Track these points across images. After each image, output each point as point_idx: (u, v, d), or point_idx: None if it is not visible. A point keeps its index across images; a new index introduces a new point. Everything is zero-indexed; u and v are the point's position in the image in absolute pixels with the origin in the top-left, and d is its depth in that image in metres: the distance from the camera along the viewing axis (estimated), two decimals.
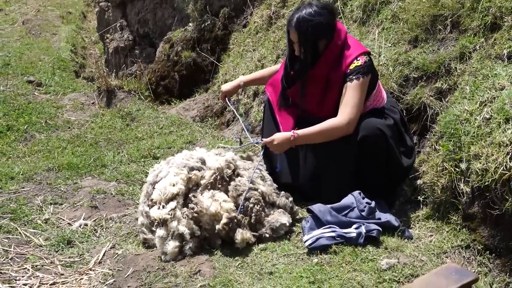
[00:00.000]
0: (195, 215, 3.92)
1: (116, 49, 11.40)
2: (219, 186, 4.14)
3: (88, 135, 6.73)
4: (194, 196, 4.03)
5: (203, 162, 4.29)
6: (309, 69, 4.35)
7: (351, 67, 4.22)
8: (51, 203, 4.77)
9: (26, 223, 4.44)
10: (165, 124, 7.05)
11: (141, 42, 10.97)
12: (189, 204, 3.98)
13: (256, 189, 4.17)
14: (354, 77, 4.20)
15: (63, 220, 4.51)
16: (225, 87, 5.13)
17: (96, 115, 7.56)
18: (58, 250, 4.05)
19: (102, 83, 8.09)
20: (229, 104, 5.53)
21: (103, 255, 3.98)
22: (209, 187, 4.11)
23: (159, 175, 4.21)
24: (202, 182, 4.12)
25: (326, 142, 4.26)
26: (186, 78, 8.77)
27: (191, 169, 4.19)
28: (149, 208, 4.03)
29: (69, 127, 7.09)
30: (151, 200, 4.03)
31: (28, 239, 4.20)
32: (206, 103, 7.74)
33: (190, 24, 8.88)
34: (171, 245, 3.80)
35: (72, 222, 4.46)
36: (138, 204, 4.73)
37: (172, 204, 3.92)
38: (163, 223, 3.88)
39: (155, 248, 3.96)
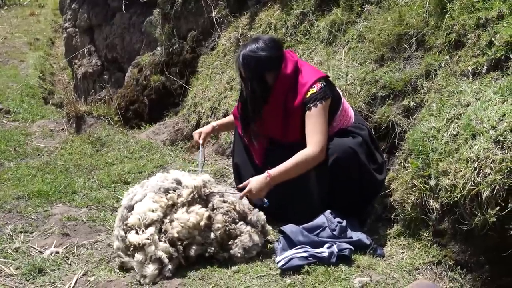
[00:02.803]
0: (171, 236, 3.92)
1: (84, 75, 11.39)
2: (196, 204, 4.14)
3: (58, 162, 6.67)
4: (172, 220, 4.02)
5: (179, 182, 4.27)
6: (262, 103, 4.41)
7: (307, 95, 4.27)
8: (21, 232, 4.72)
9: None
10: (135, 148, 7.03)
11: (109, 67, 10.97)
12: (164, 228, 3.97)
13: (225, 201, 4.20)
14: (312, 105, 4.25)
15: (34, 248, 4.46)
16: (202, 129, 5.14)
17: (66, 141, 7.50)
18: (29, 279, 4.00)
19: (71, 109, 8.04)
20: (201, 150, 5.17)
21: (75, 282, 3.93)
22: (186, 206, 4.10)
23: (134, 199, 4.17)
24: (180, 200, 4.11)
25: None
26: (156, 102, 8.77)
27: (167, 190, 4.17)
28: (125, 233, 4.01)
29: (38, 154, 7.02)
30: (126, 224, 4.00)
31: None
32: (176, 126, 7.74)
33: (158, 48, 8.89)
34: (151, 269, 3.78)
35: (43, 250, 4.41)
36: (110, 230, 4.72)
37: (151, 229, 3.90)
38: (141, 248, 3.86)
39: (130, 272, 3.94)
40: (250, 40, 4.59)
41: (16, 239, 4.58)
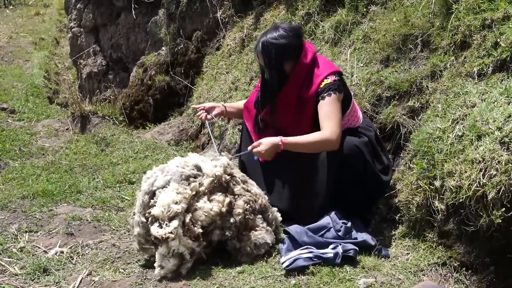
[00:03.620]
0: (196, 229, 3.94)
1: (89, 75, 11.38)
2: (218, 192, 4.15)
3: (62, 162, 6.68)
4: (195, 209, 4.02)
5: (199, 169, 4.23)
6: (276, 91, 4.40)
7: (321, 85, 4.27)
8: (26, 231, 4.72)
9: (1, 252, 4.38)
10: (140, 148, 7.03)
11: (114, 67, 10.96)
12: (187, 220, 3.97)
13: (249, 191, 4.22)
14: (325, 94, 4.24)
15: (39, 248, 4.46)
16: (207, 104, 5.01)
17: (71, 141, 7.51)
18: (34, 279, 4.00)
19: (76, 109, 8.05)
20: (208, 124, 5.24)
21: (80, 282, 3.93)
22: (207, 194, 4.11)
23: (155, 184, 4.12)
24: (201, 189, 4.11)
25: (304, 164, 4.30)
26: (160, 102, 8.77)
27: (188, 177, 4.15)
28: (146, 220, 3.99)
29: (43, 154, 7.03)
30: (150, 213, 3.98)
31: (3, 268, 4.14)
32: (180, 126, 7.73)
33: (163, 48, 8.89)
34: (171, 263, 3.80)
35: (48, 250, 4.41)
36: (114, 230, 4.73)
37: (175, 222, 3.86)
38: (164, 241, 3.85)
39: (135, 273, 3.95)
40: (269, 28, 4.56)
41: (21, 238, 4.59)
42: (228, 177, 4.23)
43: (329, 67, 4.38)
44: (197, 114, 4.96)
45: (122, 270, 4.05)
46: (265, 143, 4.23)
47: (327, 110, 4.23)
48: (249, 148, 4.33)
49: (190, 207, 4.00)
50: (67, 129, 8.01)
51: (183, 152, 7.00)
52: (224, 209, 4.03)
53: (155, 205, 3.98)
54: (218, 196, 4.09)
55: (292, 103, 4.39)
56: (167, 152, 6.89)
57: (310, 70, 4.36)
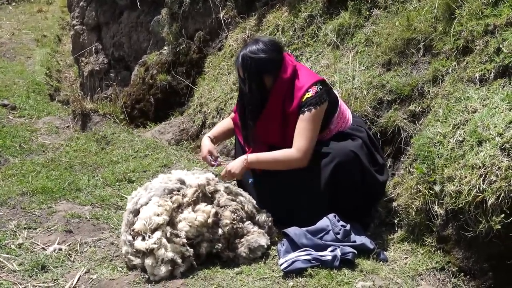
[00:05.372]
0: (181, 238, 3.95)
1: (91, 72, 11.39)
2: (203, 203, 4.15)
3: (62, 159, 6.68)
4: (179, 221, 4.03)
5: (182, 182, 4.27)
6: (259, 105, 4.40)
7: (303, 99, 4.25)
8: (25, 228, 4.73)
9: None
10: (140, 147, 7.03)
11: (116, 65, 10.97)
12: (168, 233, 3.96)
13: (234, 200, 4.22)
14: (306, 109, 4.24)
15: (37, 244, 4.47)
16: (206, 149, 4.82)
17: (71, 138, 7.51)
18: (32, 275, 4.01)
19: (77, 107, 8.04)
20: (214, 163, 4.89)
21: (78, 280, 3.94)
22: (192, 205, 4.11)
23: (139, 202, 4.16)
24: (185, 200, 4.11)
25: (296, 176, 4.32)
26: (161, 101, 8.77)
27: (171, 191, 4.17)
28: (132, 238, 4.00)
29: (43, 151, 7.04)
30: (133, 230, 4.00)
31: (2, 264, 4.15)
32: (181, 126, 7.73)
33: (165, 47, 8.89)
34: (163, 270, 3.80)
35: (46, 247, 4.42)
36: (113, 228, 4.73)
37: (158, 233, 3.88)
38: (150, 252, 3.85)
39: (133, 271, 3.96)
40: (250, 41, 4.57)
41: (19, 235, 4.59)
42: (212, 188, 4.24)
43: (310, 77, 4.37)
44: (210, 165, 4.86)
45: (120, 269, 4.06)
46: (233, 166, 4.42)
47: (302, 126, 4.26)
48: (221, 177, 4.43)
49: (173, 220, 4.04)
50: (67, 126, 8.01)
51: (183, 152, 7.01)
52: (210, 220, 4.04)
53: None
54: (204, 207, 4.10)
55: (278, 119, 4.39)
56: (167, 152, 6.88)
57: (291, 84, 4.34)
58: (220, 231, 4.04)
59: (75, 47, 12.45)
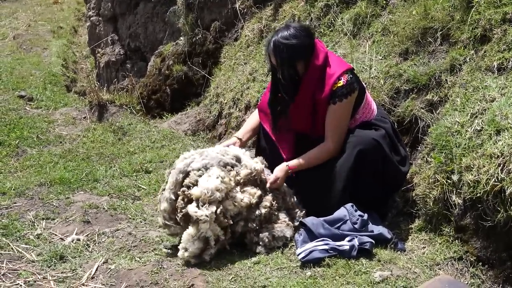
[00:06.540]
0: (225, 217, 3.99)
1: (107, 63, 11.40)
2: (250, 185, 4.21)
3: (80, 150, 6.71)
4: (227, 198, 4.06)
5: (238, 160, 4.29)
6: (292, 91, 4.37)
7: (334, 88, 4.25)
8: (43, 218, 4.76)
9: (18, 238, 4.42)
10: (157, 138, 7.04)
11: (132, 56, 10.97)
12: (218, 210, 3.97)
13: (278, 189, 4.31)
14: (337, 99, 4.25)
15: (56, 235, 4.49)
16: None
17: (88, 129, 7.53)
18: (50, 266, 4.03)
19: (94, 98, 8.06)
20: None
21: (96, 270, 3.96)
22: (241, 185, 4.16)
23: (191, 165, 4.15)
24: (237, 178, 4.16)
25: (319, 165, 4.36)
26: (178, 92, 8.76)
27: (226, 165, 4.19)
28: (175, 198, 4.06)
29: (60, 142, 7.06)
30: (184, 192, 4.01)
31: (20, 254, 4.18)
32: (197, 116, 7.74)
33: (181, 38, 8.88)
34: (196, 246, 3.85)
35: (65, 237, 4.44)
36: (131, 218, 4.74)
37: (213, 208, 3.90)
38: (195, 222, 3.88)
39: (150, 262, 3.97)
40: (281, 27, 4.54)
41: (38, 225, 4.62)
42: (264, 176, 4.29)
43: (341, 65, 4.36)
44: None
45: (138, 259, 4.07)
46: (277, 175, 4.34)
47: (335, 117, 4.30)
48: (268, 186, 4.31)
49: (226, 196, 4.06)
50: (84, 117, 8.02)
51: (199, 142, 7.03)
52: (254, 201, 4.09)
53: (189, 185, 4.03)
54: (251, 189, 4.14)
55: (309, 106, 4.38)
56: (184, 142, 6.90)
57: (323, 71, 4.33)
58: (257, 211, 4.10)
59: (91, 38, 12.47)
